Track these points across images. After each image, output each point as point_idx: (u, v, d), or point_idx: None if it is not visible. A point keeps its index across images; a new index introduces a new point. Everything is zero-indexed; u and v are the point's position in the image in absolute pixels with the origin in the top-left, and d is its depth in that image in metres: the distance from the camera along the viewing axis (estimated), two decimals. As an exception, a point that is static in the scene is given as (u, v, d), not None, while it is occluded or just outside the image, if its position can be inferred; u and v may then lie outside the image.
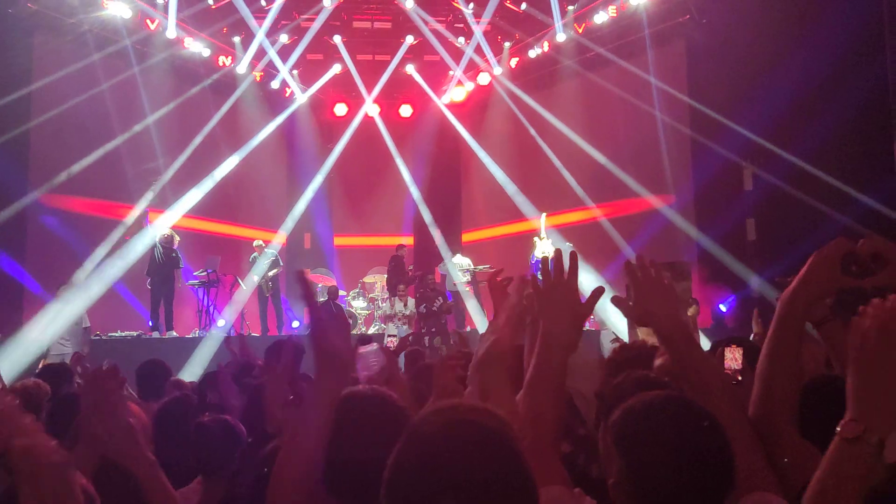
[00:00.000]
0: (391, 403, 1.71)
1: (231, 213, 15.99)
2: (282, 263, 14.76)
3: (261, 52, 16.62)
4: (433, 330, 12.55)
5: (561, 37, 15.76)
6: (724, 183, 13.15)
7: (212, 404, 3.74)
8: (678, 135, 14.25)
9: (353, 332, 13.88)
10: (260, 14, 16.05)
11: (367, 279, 15.66)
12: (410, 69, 17.57)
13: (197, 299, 13.90)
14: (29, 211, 12.64)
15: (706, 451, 1.56)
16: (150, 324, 13.00)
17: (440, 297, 12.92)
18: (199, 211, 15.08)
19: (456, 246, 17.21)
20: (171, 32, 14.78)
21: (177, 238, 13.38)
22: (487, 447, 1.18)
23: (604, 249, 14.12)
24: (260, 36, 16.02)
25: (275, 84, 17.21)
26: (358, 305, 15.17)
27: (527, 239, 15.24)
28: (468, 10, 16.35)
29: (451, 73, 17.36)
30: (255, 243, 14.80)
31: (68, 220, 12.86)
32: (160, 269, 13.01)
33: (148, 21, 14.70)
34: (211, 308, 13.81)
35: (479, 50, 17.14)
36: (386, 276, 14.60)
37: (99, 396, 2.07)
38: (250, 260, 14.79)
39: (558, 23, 15.61)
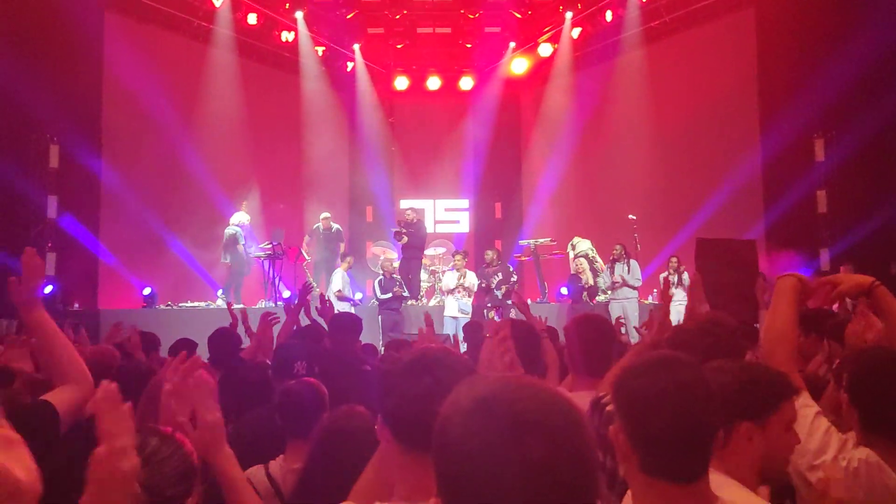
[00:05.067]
0: (455, 359, 1.78)
1: (296, 189, 16.11)
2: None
3: (322, 28, 16.59)
4: (489, 305, 12.60)
5: (626, 6, 15.39)
6: (795, 154, 12.78)
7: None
8: (746, 105, 13.84)
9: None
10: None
11: (429, 251, 15.44)
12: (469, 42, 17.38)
13: (262, 271, 14.15)
14: (103, 184, 13.06)
15: (689, 402, 1.73)
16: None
17: (499, 274, 12.78)
18: (265, 190, 15.30)
19: (517, 219, 17.09)
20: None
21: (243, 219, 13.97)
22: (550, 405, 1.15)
23: (670, 222, 13.90)
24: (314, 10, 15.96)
25: (336, 60, 17.14)
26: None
27: (591, 215, 15.06)
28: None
29: (511, 45, 17.11)
30: (322, 216, 14.82)
31: (139, 193, 13.14)
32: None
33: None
34: (276, 280, 13.95)
35: (540, 21, 16.84)
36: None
37: (182, 386, 2.13)
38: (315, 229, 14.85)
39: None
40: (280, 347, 4.52)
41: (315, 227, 14.85)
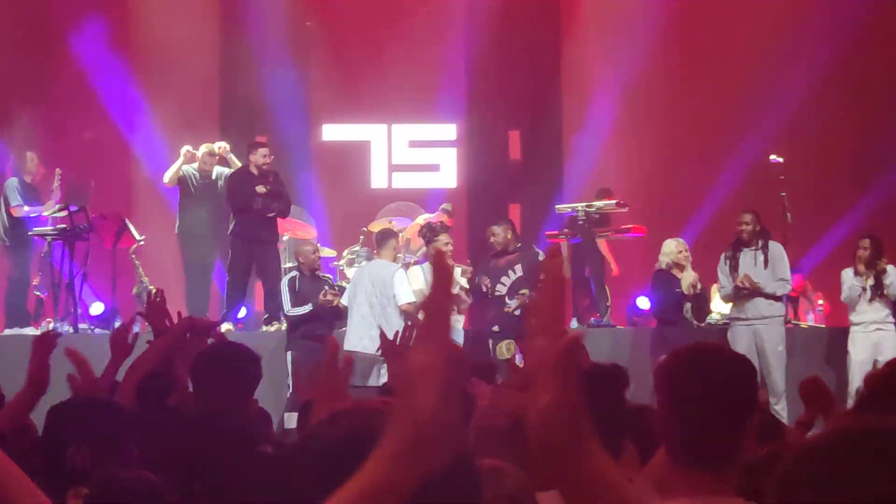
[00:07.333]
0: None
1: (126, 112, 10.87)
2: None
3: None
4: (495, 330, 8.57)
5: None
6: None
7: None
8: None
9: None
10: None
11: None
12: None
13: (51, 262, 9.34)
14: None
15: (725, 386, 1.81)
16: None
17: (516, 268, 8.63)
18: (52, 104, 10.63)
19: (551, 164, 11.41)
20: None
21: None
22: None
23: (847, 175, 10.80)
24: None
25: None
26: (358, 277, 9.64)
27: (691, 158, 10.90)
28: None
29: None
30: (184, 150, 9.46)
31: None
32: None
33: None
34: (75, 280, 8.85)
35: None
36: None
37: None
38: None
39: None
40: (52, 414, 2.77)
41: (181, 167, 9.36)
